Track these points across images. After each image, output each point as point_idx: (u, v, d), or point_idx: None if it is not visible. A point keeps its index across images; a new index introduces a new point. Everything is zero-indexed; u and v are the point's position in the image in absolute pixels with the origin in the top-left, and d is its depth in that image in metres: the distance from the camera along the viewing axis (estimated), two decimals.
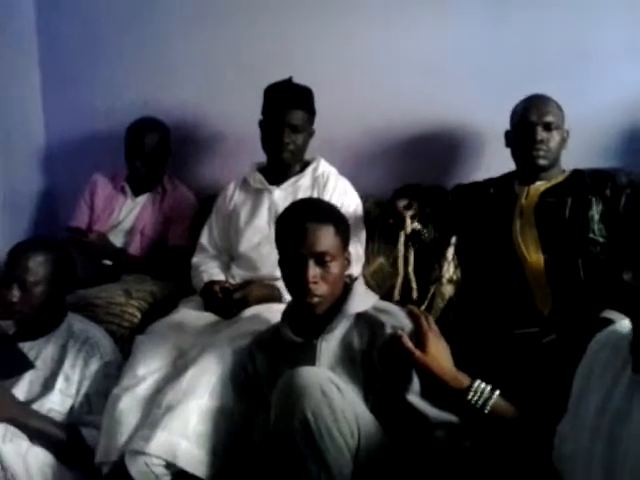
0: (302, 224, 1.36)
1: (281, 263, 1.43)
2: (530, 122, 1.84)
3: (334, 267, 1.37)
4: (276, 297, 1.85)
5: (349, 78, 2.35)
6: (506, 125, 1.96)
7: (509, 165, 1.97)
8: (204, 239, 2.14)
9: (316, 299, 1.35)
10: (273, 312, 1.69)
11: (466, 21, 2.24)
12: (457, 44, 2.25)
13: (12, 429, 1.52)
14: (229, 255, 2.11)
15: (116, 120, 2.46)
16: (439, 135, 2.30)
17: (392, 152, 2.35)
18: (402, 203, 1.97)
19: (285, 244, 1.40)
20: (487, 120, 2.17)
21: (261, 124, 2.05)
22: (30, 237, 2.45)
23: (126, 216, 2.43)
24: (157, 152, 2.40)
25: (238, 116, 2.37)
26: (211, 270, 2.03)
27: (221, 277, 1.99)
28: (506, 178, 1.97)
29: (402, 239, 1.97)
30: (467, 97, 2.22)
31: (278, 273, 1.86)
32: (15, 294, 1.62)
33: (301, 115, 1.99)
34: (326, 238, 1.36)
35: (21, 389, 1.62)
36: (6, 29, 2.63)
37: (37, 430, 1.55)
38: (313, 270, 1.34)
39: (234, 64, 2.46)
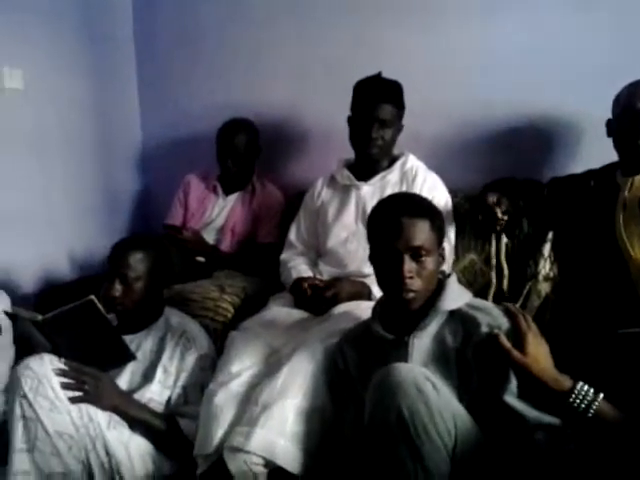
0: (397, 218, 1.34)
1: (374, 258, 1.42)
2: (636, 110, 1.73)
3: (429, 262, 1.34)
4: (365, 294, 1.84)
5: (437, 72, 2.30)
6: (602, 114, 1.85)
7: (608, 156, 1.86)
8: (292, 236, 2.17)
9: (411, 294, 1.33)
10: (363, 309, 1.69)
11: (555, 8, 2.14)
12: (547, 33, 2.15)
13: (115, 417, 1.59)
14: (317, 252, 2.12)
15: (208, 121, 2.54)
16: (531, 126, 2.21)
17: (482, 145, 2.29)
18: (492, 199, 1.91)
19: (379, 239, 1.38)
20: (582, 109, 2.08)
21: (349, 120, 2.05)
22: (130, 235, 2.58)
23: (218, 214, 2.51)
24: (247, 152, 2.46)
25: (326, 114, 2.41)
26: (299, 267, 2.05)
27: (309, 274, 2.01)
28: (607, 169, 1.86)
29: (494, 237, 1.91)
30: (560, 87, 2.13)
31: (366, 269, 1.90)
32: (118, 289, 1.70)
33: (390, 109, 1.97)
34: (422, 233, 1.33)
35: (124, 379, 1.71)
36: (105, 36, 2.78)
37: (138, 419, 1.62)
38: (409, 265, 1.32)
39: (322, 62, 2.49)
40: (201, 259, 2.42)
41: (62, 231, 2.59)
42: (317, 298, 1.84)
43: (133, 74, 2.92)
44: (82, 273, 2.59)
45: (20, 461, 1.45)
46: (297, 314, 1.85)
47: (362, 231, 1.98)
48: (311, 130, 2.54)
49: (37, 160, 2.50)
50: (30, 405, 1.47)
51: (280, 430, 1.45)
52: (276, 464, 1.43)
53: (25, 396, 1.48)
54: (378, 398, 1.19)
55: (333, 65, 2.45)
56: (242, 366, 1.64)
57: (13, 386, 1.51)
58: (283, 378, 1.53)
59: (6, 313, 1.74)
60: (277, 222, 2.44)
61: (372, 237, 1.42)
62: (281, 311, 1.88)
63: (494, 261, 1.88)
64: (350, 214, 2.03)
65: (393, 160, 2.06)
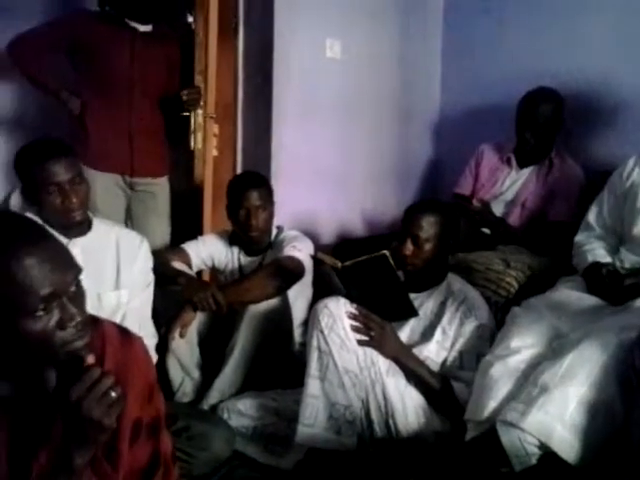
0: None
1: None
2: None
3: None
4: None
5: None
6: None
7: None
8: (591, 217, 2.01)
9: None
10: None
11: None
12: None
13: (394, 366, 1.69)
14: (618, 237, 1.94)
15: (509, 90, 2.46)
16: None
17: None
18: None
19: None
20: None
21: None
22: (424, 199, 2.66)
23: (509, 187, 2.45)
24: (549, 124, 2.33)
25: None
26: (596, 251, 1.90)
27: (607, 259, 1.85)
28: None
29: None
30: None
31: None
32: (409, 248, 1.78)
33: None
34: None
35: (404, 333, 1.79)
36: (415, 7, 2.87)
37: (415, 372, 1.69)
38: None
39: None
40: (487, 231, 2.40)
41: (356, 191, 2.81)
42: (616, 286, 1.69)
43: (438, 43, 2.98)
44: (372, 231, 2.78)
45: (312, 386, 1.64)
46: (589, 300, 1.73)
47: None
48: (627, 103, 2.31)
49: (344, 124, 2.73)
50: (325, 339, 1.64)
51: (559, 416, 1.39)
52: (550, 449, 1.38)
53: (322, 331, 1.65)
54: None
55: None
56: (522, 343, 1.60)
57: (312, 321, 1.70)
58: (568, 363, 1.45)
59: (313, 257, 1.96)
60: (574, 201, 2.29)
61: None
62: (571, 294, 1.77)
63: None
64: None
65: None
